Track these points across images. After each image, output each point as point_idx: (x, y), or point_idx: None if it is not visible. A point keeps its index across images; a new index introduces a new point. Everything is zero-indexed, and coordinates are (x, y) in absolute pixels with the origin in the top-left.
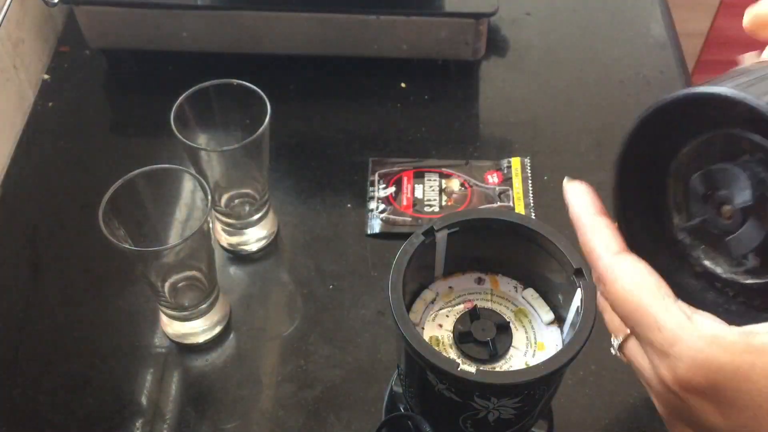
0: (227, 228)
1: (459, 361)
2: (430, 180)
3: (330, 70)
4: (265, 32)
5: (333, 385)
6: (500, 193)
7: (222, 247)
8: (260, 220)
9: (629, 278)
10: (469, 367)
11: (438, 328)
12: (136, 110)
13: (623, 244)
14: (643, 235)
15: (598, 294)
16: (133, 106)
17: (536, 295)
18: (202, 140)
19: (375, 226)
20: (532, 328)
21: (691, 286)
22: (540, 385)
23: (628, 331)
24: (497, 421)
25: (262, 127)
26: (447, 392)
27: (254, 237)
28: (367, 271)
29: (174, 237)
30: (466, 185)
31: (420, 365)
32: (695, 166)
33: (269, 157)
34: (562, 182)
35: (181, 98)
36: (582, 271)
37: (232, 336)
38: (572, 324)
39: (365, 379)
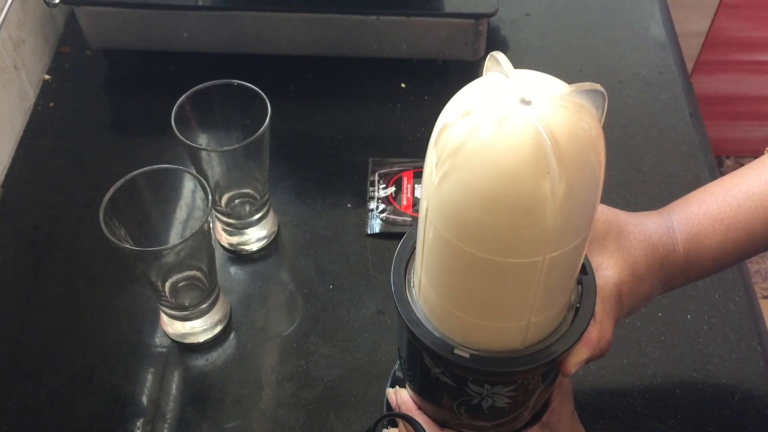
0: (228, 228)
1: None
2: None
3: (330, 70)
4: (265, 32)
5: (333, 384)
6: None
7: (222, 246)
8: (260, 220)
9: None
10: (463, 352)
11: None
12: (136, 110)
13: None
14: None
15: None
16: (133, 107)
17: None
18: (202, 140)
19: (375, 226)
20: None
21: None
22: (533, 374)
23: None
24: (491, 409)
25: (263, 127)
26: (442, 377)
27: (254, 237)
28: (367, 271)
29: (174, 237)
30: None
31: (417, 349)
32: None
33: (269, 157)
34: None
35: (181, 98)
36: (584, 267)
37: (232, 336)
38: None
39: (365, 379)
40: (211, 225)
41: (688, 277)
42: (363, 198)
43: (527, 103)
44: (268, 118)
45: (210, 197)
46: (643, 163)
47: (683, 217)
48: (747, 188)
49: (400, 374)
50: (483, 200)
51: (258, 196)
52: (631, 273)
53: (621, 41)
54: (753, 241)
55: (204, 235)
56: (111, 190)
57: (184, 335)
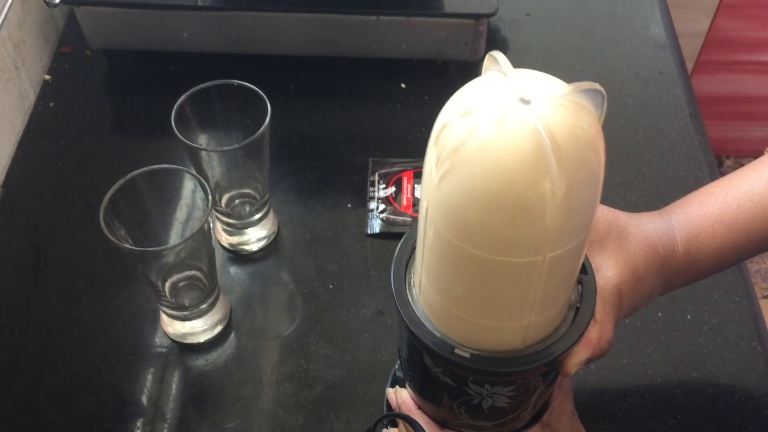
0: (228, 228)
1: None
2: None
3: (330, 70)
4: (265, 32)
5: (333, 384)
6: None
7: (222, 246)
8: (260, 220)
9: None
10: (464, 352)
11: None
12: (136, 110)
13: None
14: None
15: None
16: (133, 107)
17: None
18: (202, 140)
19: (375, 226)
20: None
21: None
22: (533, 374)
23: None
24: (491, 409)
25: (263, 127)
26: (443, 376)
27: (254, 237)
28: (367, 271)
29: (174, 237)
30: None
31: (418, 349)
32: None
33: (269, 157)
34: None
35: (181, 98)
36: (584, 267)
37: (232, 336)
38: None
39: (365, 379)
40: (211, 225)
41: (688, 278)
42: (363, 198)
43: (526, 102)
44: (268, 118)
45: (210, 197)
46: (643, 163)
47: (683, 218)
48: (747, 189)
49: (400, 374)
50: (483, 200)
51: (258, 196)
52: (632, 273)
53: (621, 41)
54: (753, 242)
55: (204, 235)
56: (111, 190)
57: (184, 335)
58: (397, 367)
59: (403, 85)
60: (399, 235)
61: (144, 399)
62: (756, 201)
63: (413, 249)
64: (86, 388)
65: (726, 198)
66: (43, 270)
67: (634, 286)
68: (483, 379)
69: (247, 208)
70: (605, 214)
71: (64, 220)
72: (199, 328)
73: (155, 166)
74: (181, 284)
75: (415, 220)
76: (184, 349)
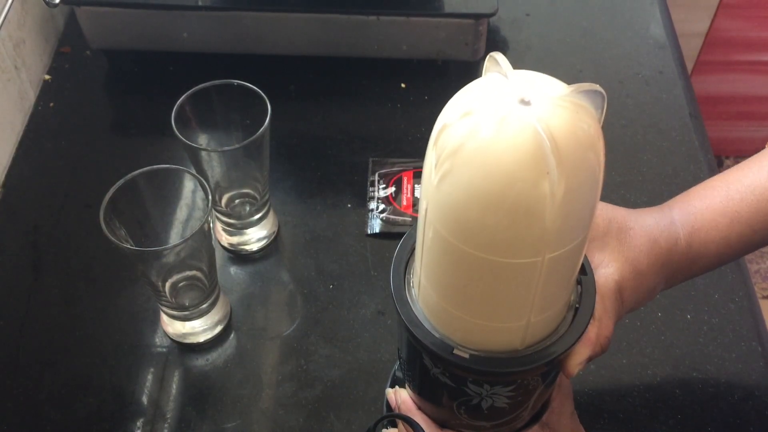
0: (228, 228)
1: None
2: None
3: (330, 70)
4: (265, 32)
5: (333, 384)
6: None
7: (222, 246)
8: (260, 220)
9: None
10: (463, 353)
11: None
12: (136, 110)
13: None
14: None
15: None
16: (133, 107)
17: None
18: (202, 140)
19: (375, 226)
20: None
21: None
22: (532, 374)
23: None
24: (491, 409)
25: (263, 127)
26: (442, 377)
27: (255, 237)
28: (367, 271)
29: (175, 237)
30: None
31: (417, 349)
32: None
33: (269, 157)
34: None
35: (181, 98)
36: (583, 268)
37: (232, 336)
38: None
39: (365, 379)
40: (211, 225)
41: (691, 272)
42: (363, 198)
43: (526, 103)
44: (268, 118)
45: (210, 197)
46: (643, 163)
47: (685, 212)
48: (749, 182)
49: (400, 374)
50: (482, 201)
51: (258, 196)
52: (633, 269)
53: (621, 41)
54: (756, 235)
55: (204, 235)
56: (111, 190)
57: (184, 335)
58: (397, 367)
59: (403, 85)
60: (399, 235)
61: (144, 399)
62: (758, 193)
63: (413, 249)
64: (86, 388)
65: (728, 191)
66: (43, 270)
67: (636, 281)
68: (482, 379)
69: (247, 208)
70: (605, 211)
71: (64, 220)
72: (199, 328)
73: (155, 166)
74: (181, 284)
75: (414, 220)
76: (184, 349)
